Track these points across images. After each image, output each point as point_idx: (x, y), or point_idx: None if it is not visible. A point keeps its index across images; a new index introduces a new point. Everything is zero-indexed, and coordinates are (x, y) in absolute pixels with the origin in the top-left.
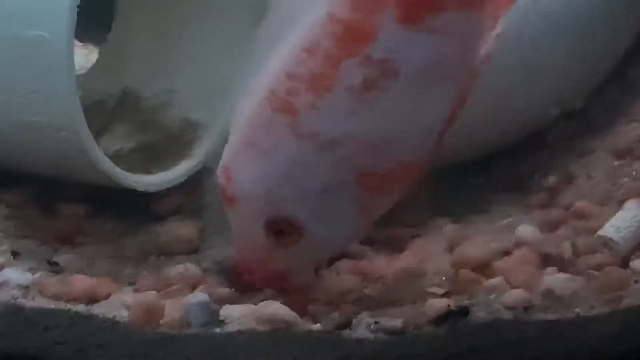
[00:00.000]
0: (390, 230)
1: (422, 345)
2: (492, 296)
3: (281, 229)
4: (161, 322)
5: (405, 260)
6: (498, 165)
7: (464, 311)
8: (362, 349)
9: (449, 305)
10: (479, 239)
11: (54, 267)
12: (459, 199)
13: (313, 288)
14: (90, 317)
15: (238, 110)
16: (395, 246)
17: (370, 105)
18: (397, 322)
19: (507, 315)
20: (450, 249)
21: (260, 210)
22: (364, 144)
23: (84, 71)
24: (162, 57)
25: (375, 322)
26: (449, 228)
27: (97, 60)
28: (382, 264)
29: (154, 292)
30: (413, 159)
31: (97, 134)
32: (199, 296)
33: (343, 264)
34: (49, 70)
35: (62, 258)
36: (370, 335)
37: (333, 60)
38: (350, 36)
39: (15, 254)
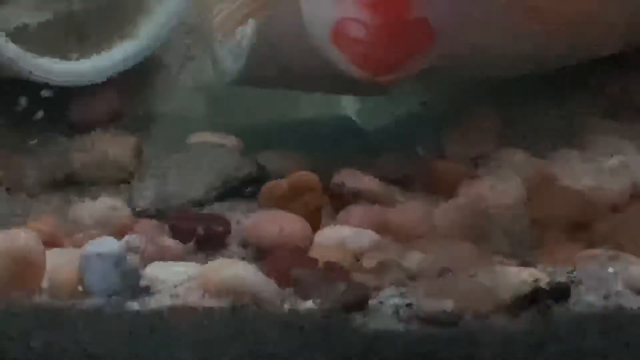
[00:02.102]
0: (432, 164)
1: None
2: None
3: None
4: (41, 285)
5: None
6: (598, 80)
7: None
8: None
9: (536, 280)
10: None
11: None
12: (541, 124)
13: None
14: None
15: None
16: (440, 188)
17: None
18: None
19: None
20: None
21: None
22: None
23: None
24: None
25: (407, 304)
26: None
27: None
28: (414, 213)
29: (24, 231)
30: None
31: None
32: (108, 243)
33: (357, 211)
34: None
35: None
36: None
37: None
38: None
39: None
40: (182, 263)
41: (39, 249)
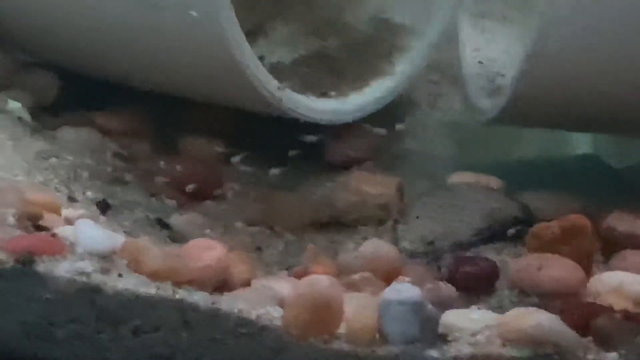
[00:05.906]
0: None
1: None
2: None
3: None
4: (337, 331)
5: None
6: None
7: None
8: None
9: None
10: None
11: (168, 232)
12: None
13: None
14: (216, 316)
15: None
16: None
17: None
18: None
19: None
20: None
21: None
22: None
23: None
24: None
25: None
26: None
27: None
28: None
29: (326, 277)
30: None
31: (249, 34)
32: (407, 290)
33: (633, 257)
34: None
35: (181, 219)
36: None
37: None
38: None
39: (104, 205)
40: (478, 311)
41: (339, 295)
